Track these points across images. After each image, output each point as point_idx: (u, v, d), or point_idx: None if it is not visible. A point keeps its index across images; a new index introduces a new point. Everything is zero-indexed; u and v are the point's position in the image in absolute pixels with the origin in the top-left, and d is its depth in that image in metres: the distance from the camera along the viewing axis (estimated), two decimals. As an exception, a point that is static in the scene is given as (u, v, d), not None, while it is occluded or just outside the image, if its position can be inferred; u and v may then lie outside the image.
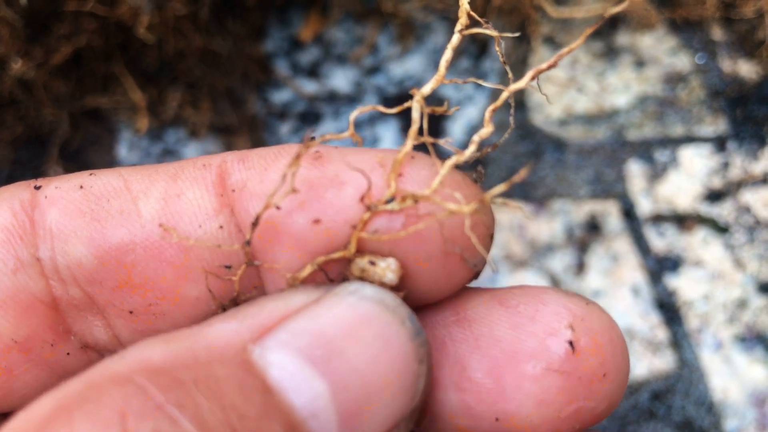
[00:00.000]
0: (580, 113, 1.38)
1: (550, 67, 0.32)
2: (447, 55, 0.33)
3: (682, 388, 1.17)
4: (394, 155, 0.32)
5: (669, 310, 1.22)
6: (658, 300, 1.22)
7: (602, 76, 1.41)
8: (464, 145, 1.39)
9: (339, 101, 1.40)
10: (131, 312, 0.34)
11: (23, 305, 0.33)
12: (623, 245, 1.26)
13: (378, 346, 0.27)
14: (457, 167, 0.32)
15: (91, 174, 0.34)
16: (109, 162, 1.36)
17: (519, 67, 1.43)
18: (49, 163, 1.34)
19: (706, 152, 1.34)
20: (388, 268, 0.31)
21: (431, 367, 0.29)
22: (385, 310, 0.28)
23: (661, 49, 1.43)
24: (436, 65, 1.39)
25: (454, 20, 1.46)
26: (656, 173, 1.32)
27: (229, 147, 1.36)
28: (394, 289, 0.31)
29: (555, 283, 1.24)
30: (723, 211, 1.29)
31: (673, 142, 1.35)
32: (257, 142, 1.35)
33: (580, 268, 1.25)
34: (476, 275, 0.33)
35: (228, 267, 0.33)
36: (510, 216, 1.29)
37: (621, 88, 1.40)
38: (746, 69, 1.40)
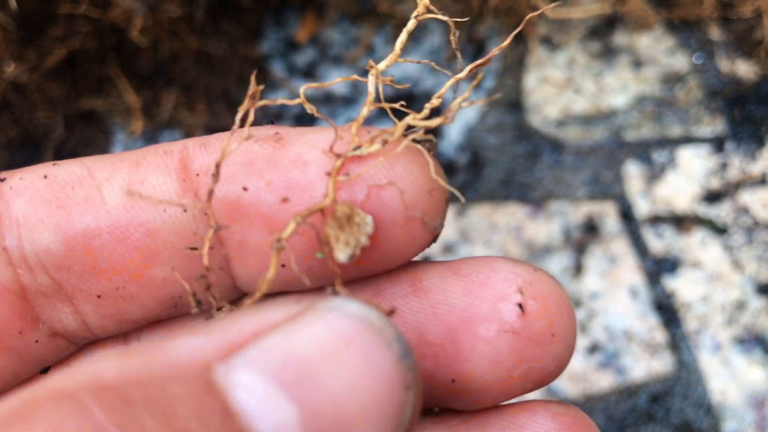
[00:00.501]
0: (577, 114, 1.38)
1: (484, 64, 0.35)
2: (402, 37, 0.35)
3: (680, 390, 1.16)
4: (346, 148, 0.33)
5: (667, 311, 1.21)
6: (656, 302, 1.22)
7: (600, 76, 1.41)
8: (463, 147, 1.38)
9: (335, 102, 1.39)
10: (99, 296, 0.35)
11: None
12: (621, 247, 1.26)
13: (357, 369, 0.25)
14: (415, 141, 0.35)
15: (54, 164, 0.35)
16: (104, 165, 1.35)
17: (516, 67, 1.43)
18: (44, 166, 1.33)
19: (704, 153, 1.33)
20: (365, 220, 0.32)
21: (420, 395, 0.27)
22: (369, 329, 0.26)
23: (658, 49, 1.42)
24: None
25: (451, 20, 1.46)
26: (654, 174, 1.32)
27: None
28: (365, 251, 0.32)
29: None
30: (721, 212, 1.28)
31: (670, 143, 1.35)
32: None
33: (578, 269, 1.25)
34: (435, 238, 0.35)
35: (194, 249, 0.34)
36: (507, 218, 1.29)
37: (618, 89, 1.39)
38: (744, 69, 1.39)
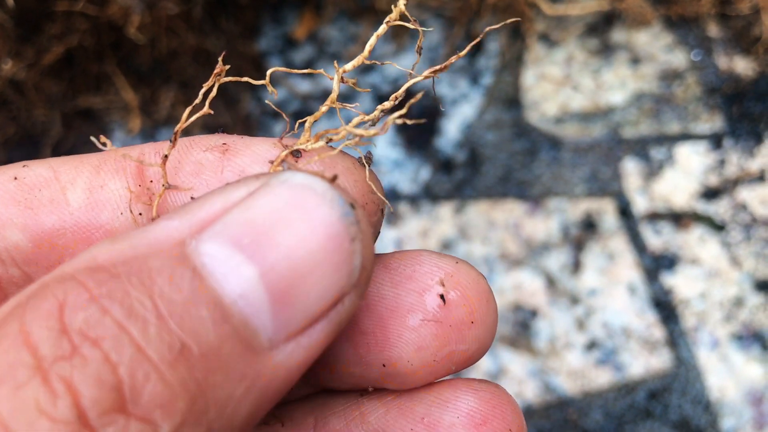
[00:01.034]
0: (575, 111, 1.38)
1: (442, 70, 0.37)
2: (372, 40, 0.38)
3: (678, 386, 1.17)
4: (295, 142, 0.37)
5: (665, 308, 1.22)
6: (654, 298, 1.22)
7: (598, 73, 1.41)
8: (461, 144, 1.38)
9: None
10: None
11: None
12: (619, 243, 1.26)
13: (305, 227, 0.29)
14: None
15: (24, 166, 0.38)
16: (102, 162, 1.35)
17: (514, 64, 1.43)
18: (42, 164, 1.33)
19: (702, 150, 1.33)
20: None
21: (369, 245, 0.31)
22: (313, 194, 0.30)
23: (656, 46, 1.42)
24: (431, 63, 1.39)
25: (449, 18, 1.46)
26: (652, 171, 1.32)
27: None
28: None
29: (551, 282, 1.24)
30: (719, 208, 1.28)
31: (669, 140, 1.35)
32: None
33: (576, 266, 1.25)
34: (381, 216, 0.39)
35: None
36: (506, 215, 1.29)
37: (617, 86, 1.39)
38: (742, 66, 1.39)
